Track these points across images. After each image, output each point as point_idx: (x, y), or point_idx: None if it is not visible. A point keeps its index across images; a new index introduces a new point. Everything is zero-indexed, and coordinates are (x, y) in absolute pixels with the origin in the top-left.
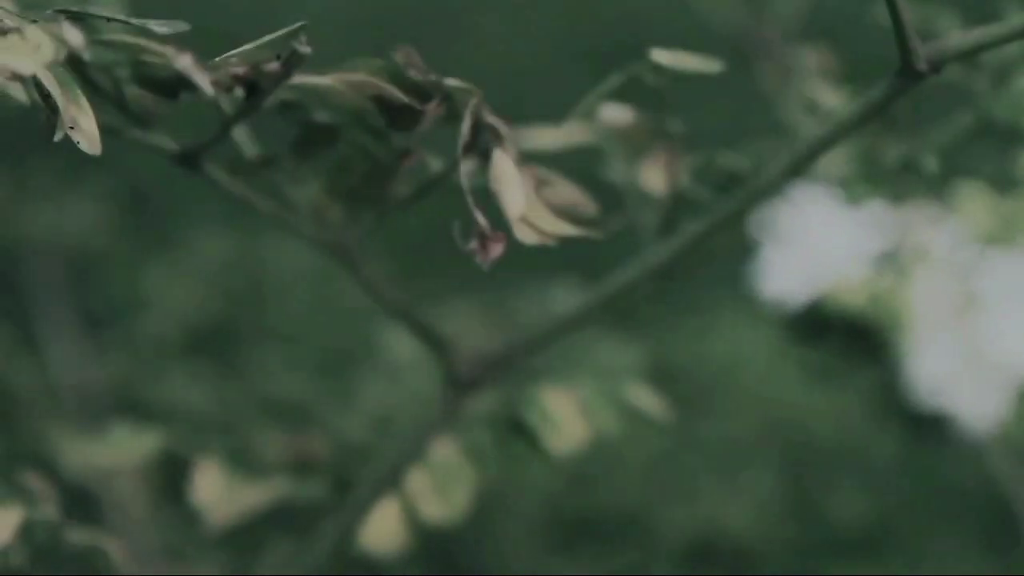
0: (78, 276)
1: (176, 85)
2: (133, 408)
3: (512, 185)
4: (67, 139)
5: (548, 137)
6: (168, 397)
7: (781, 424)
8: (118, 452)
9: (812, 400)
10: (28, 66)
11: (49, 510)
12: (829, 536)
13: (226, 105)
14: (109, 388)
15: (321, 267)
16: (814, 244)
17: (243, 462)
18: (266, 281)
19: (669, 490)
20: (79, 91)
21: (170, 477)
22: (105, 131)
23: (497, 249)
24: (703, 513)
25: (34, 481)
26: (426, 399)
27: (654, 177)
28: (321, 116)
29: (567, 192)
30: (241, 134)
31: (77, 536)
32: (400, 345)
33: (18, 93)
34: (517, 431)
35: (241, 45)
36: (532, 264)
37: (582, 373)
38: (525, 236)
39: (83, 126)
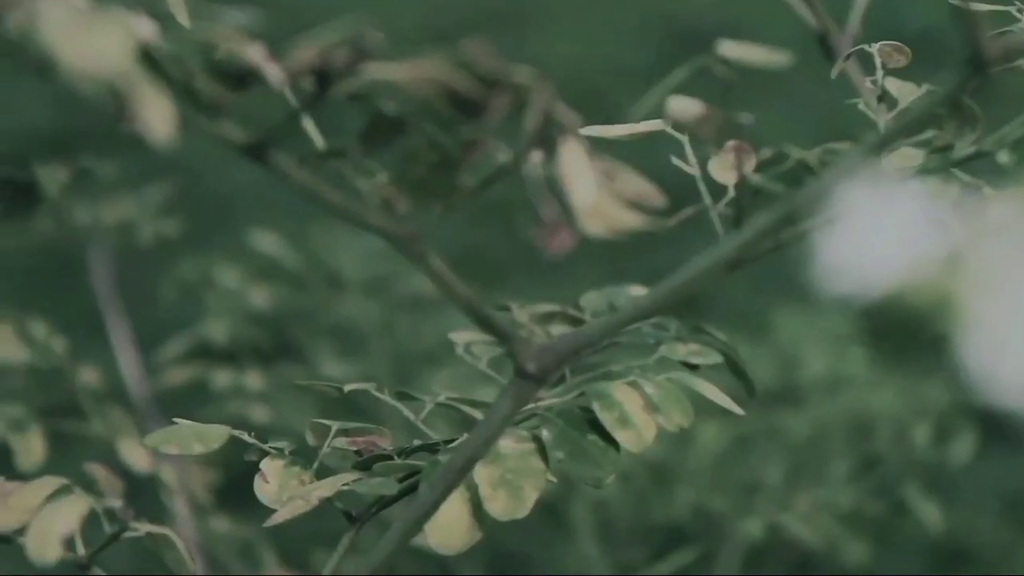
0: (137, 271)
1: (246, 76)
2: (194, 404)
3: (581, 176)
4: (126, 134)
5: (615, 130)
6: (229, 391)
7: (846, 424)
8: (186, 443)
9: (878, 399)
10: (108, 58)
11: (115, 501)
12: (901, 541)
13: (293, 96)
14: (169, 384)
15: (380, 263)
16: (884, 237)
17: (307, 456)
18: (327, 277)
19: (733, 488)
20: (155, 81)
21: (232, 471)
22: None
23: (565, 240)
24: (767, 514)
25: (99, 472)
26: (492, 393)
27: (724, 169)
28: (389, 107)
29: (635, 184)
30: (308, 126)
31: (143, 526)
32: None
33: (88, 85)
34: (589, 426)
35: (310, 37)
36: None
37: (650, 367)
38: (593, 227)
39: (159, 116)
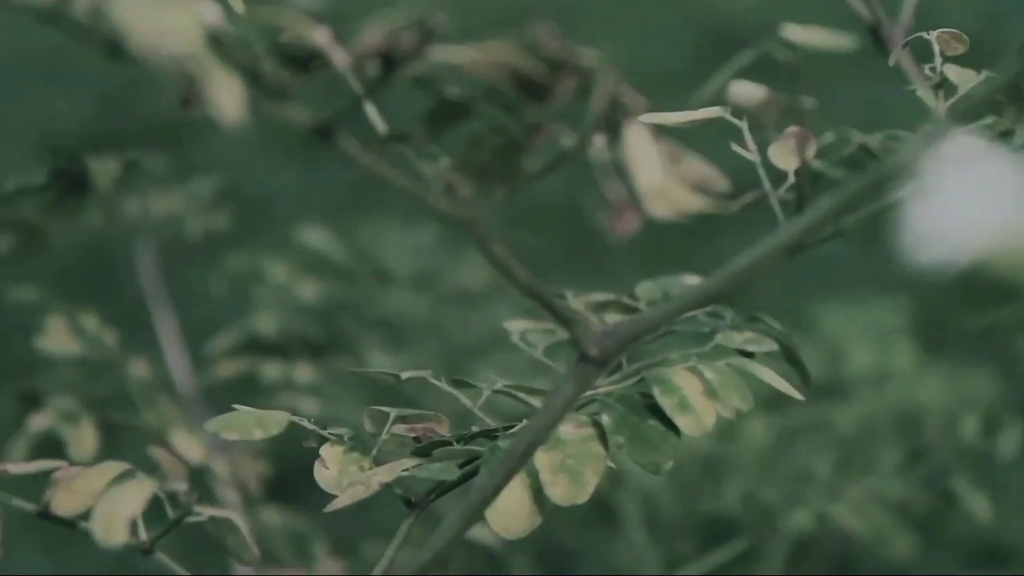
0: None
1: (311, 60)
2: (240, 398)
3: (647, 158)
4: (174, 129)
5: (675, 117)
6: (279, 384)
7: (893, 416)
8: (247, 429)
9: (925, 391)
10: (178, 38)
11: (179, 484)
12: (944, 536)
13: (355, 81)
14: (219, 378)
15: (427, 258)
16: (971, 206)
17: (365, 442)
18: (374, 271)
19: (781, 481)
20: (224, 65)
21: (281, 464)
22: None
23: (631, 221)
24: (817, 505)
25: (163, 456)
26: (549, 378)
27: (784, 155)
28: (452, 91)
29: (698, 168)
30: (371, 109)
31: (206, 510)
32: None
33: (159, 65)
34: (649, 412)
35: (376, 20)
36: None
37: (706, 355)
38: (659, 210)
39: (229, 98)
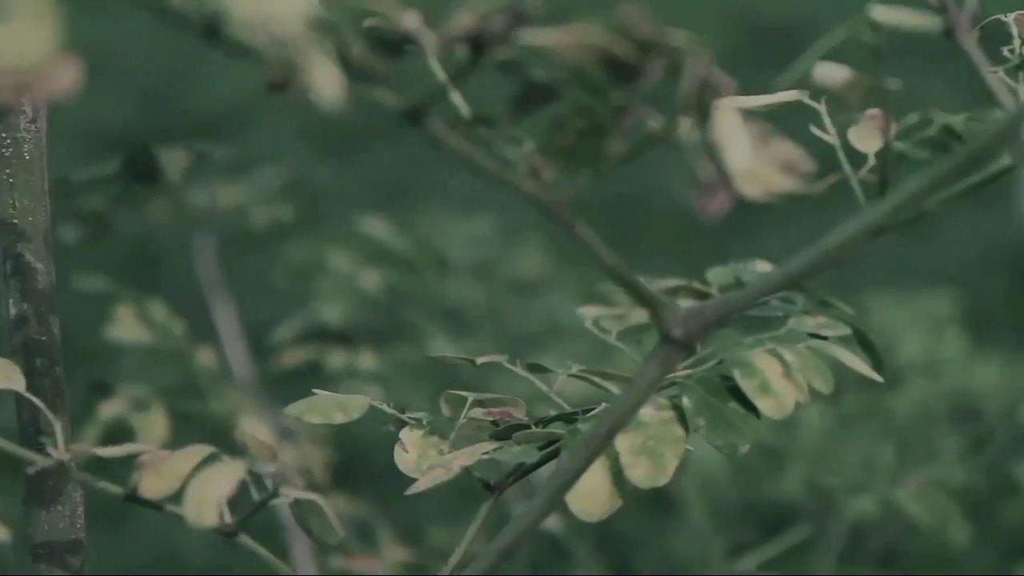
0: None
1: (401, 44)
2: (300, 387)
3: (737, 139)
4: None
5: (755, 100)
6: (342, 372)
7: (949, 404)
8: (328, 412)
9: (980, 379)
10: (281, 20)
11: (269, 466)
12: (1005, 520)
13: (437, 66)
14: (283, 366)
15: (485, 247)
16: None
17: (442, 427)
18: (434, 261)
19: (841, 468)
20: (320, 49)
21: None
22: None
23: (722, 202)
24: (880, 491)
25: (251, 438)
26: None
27: (865, 137)
28: (539, 74)
29: (784, 149)
30: (454, 93)
31: (291, 492)
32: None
33: (261, 46)
34: (729, 394)
35: (468, 3)
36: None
37: (780, 339)
38: (749, 190)
39: (327, 80)
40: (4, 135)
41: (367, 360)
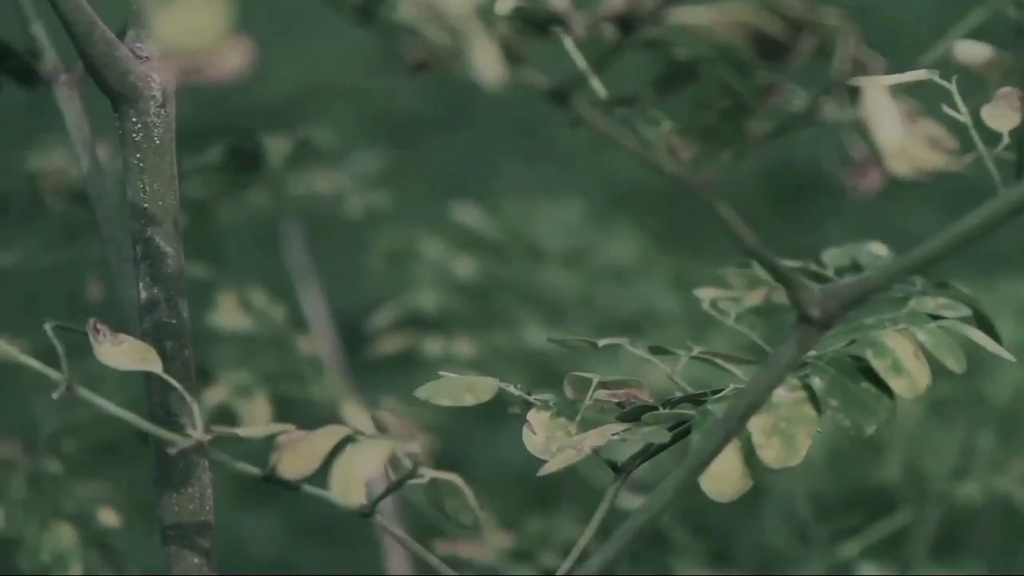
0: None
1: (548, 24)
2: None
3: (888, 117)
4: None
5: (884, 80)
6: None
7: None
8: (458, 394)
9: None
10: (455, 7)
11: (412, 446)
12: None
13: (575, 50)
14: (381, 353)
15: (578, 235)
16: None
17: (568, 409)
18: (527, 248)
19: (939, 452)
20: (482, 29)
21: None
22: None
23: (874, 179)
24: (983, 477)
25: (390, 418)
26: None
27: (1001, 114)
28: (682, 53)
29: (929, 127)
30: (595, 74)
31: (429, 472)
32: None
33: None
34: (860, 374)
35: None
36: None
37: (902, 320)
38: (900, 168)
39: (490, 61)
40: (135, 120)
41: (464, 347)
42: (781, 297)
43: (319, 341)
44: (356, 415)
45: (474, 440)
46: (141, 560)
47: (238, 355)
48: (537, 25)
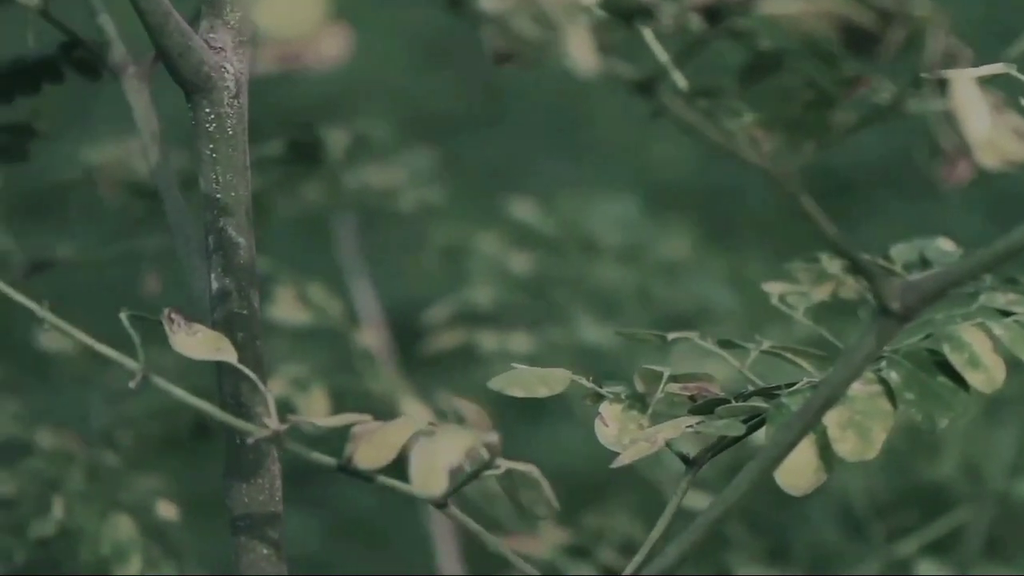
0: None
1: (635, 14)
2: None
3: (977, 109)
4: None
5: (981, 70)
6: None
7: None
8: (531, 386)
9: None
10: None
11: (491, 436)
12: None
13: (654, 42)
14: (437, 348)
15: (633, 230)
16: None
17: (640, 401)
18: (582, 243)
19: (995, 450)
20: (576, 18)
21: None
22: None
23: (965, 171)
24: None
25: (468, 408)
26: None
27: None
28: (767, 44)
29: (1014, 119)
30: (671, 65)
31: (504, 463)
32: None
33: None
34: (937, 368)
35: None
36: None
37: (972, 315)
38: (989, 160)
39: (582, 48)
40: (208, 110)
41: (519, 342)
42: (848, 292)
43: (370, 336)
44: (415, 409)
45: (511, 436)
46: (197, 554)
47: (293, 348)
48: (624, 16)
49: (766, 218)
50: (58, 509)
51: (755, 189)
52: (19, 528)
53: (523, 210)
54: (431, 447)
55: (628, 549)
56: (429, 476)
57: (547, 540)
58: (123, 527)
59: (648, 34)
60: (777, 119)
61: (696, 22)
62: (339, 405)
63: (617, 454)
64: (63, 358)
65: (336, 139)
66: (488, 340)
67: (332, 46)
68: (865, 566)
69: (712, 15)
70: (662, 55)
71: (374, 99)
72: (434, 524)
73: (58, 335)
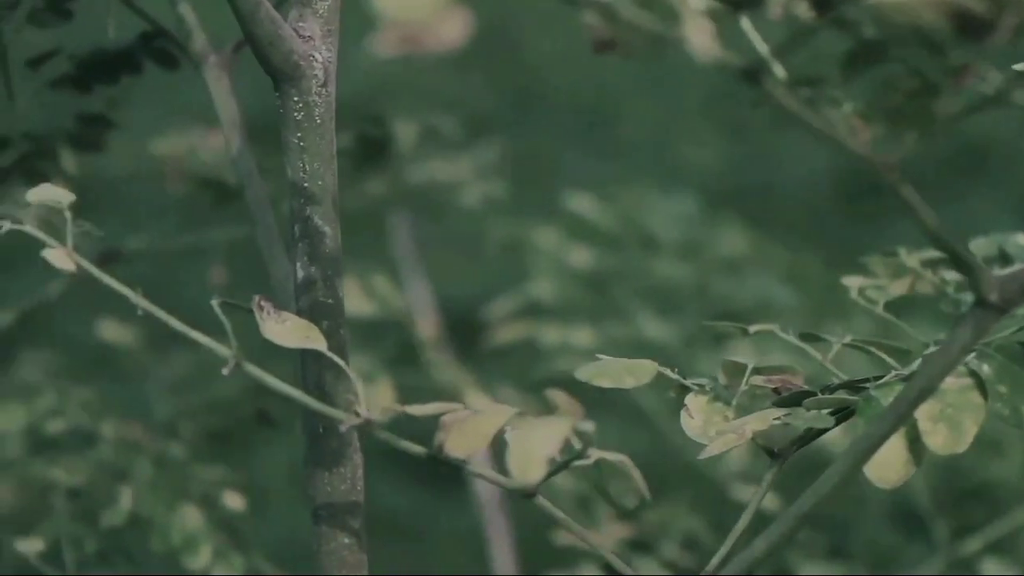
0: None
1: (744, 3)
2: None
3: None
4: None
5: None
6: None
7: None
8: (619, 377)
9: None
10: None
11: (585, 425)
12: None
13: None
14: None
15: (693, 226)
16: None
17: (723, 394)
18: (641, 239)
19: None
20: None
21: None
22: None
23: None
24: None
25: (560, 397)
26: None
27: None
28: (871, 32)
29: None
30: (767, 55)
31: (595, 452)
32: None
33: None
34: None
35: None
36: None
37: None
38: None
39: (702, 34)
40: (296, 99)
41: (582, 336)
42: (925, 287)
43: (427, 329)
44: (480, 401)
45: None
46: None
47: (356, 340)
48: (733, 4)
49: (798, 214)
50: (127, 499)
51: (786, 186)
52: (89, 517)
53: (581, 205)
54: (529, 436)
55: (690, 545)
56: (528, 465)
57: (609, 535)
58: (192, 518)
59: (745, 22)
60: (879, 108)
61: (803, 10)
62: (402, 397)
63: (703, 445)
64: (122, 350)
65: (405, 132)
66: (551, 334)
67: (452, 29)
68: (927, 565)
69: (820, 4)
70: (760, 44)
71: (404, 98)
72: (489, 524)
73: (118, 327)
